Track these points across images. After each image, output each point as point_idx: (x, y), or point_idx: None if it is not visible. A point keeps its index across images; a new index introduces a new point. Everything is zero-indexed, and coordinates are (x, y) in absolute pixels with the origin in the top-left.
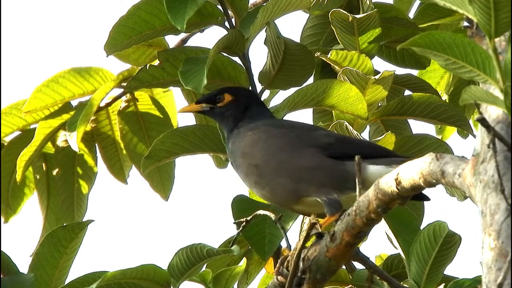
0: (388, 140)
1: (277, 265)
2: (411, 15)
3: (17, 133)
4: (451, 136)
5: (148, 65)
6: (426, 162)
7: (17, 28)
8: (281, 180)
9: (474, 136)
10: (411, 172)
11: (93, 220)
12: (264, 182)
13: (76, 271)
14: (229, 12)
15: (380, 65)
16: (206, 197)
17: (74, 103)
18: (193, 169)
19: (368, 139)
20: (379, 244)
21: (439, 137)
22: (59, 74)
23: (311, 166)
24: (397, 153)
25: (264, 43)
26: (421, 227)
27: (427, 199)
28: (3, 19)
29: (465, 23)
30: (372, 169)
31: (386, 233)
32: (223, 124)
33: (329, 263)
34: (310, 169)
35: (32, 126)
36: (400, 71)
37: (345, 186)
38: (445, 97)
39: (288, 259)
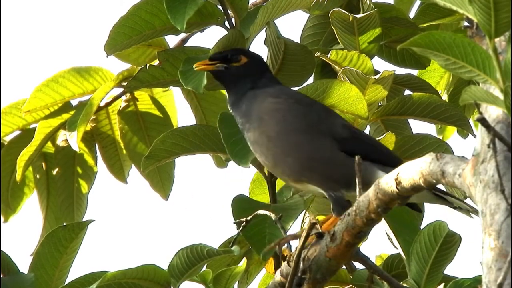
0: (388, 140)
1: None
2: (411, 15)
3: (17, 132)
4: (452, 135)
5: (148, 65)
6: (426, 162)
7: (17, 28)
8: (289, 159)
9: (474, 136)
10: (411, 172)
11: (93, 220)
12: (271, 155)
13: (76, 271)
14: (229, 12)
15: (380, 65)
16: (206, 197)
17: (74, 102)
18: (193, 169)
19: None
20: (380, 244)
21: (440, 137)
22: (59, 73)
23: (324, 156)
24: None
25: (264, 43)
26: (421, 227)
27: (419, 210)
28: (3, 19)
29: (465, 23)
30: (381, 174)
31: (386, 233)
32: (238, 85)
33: (329, 263)
34: (322, 160)
35: (32, 126)
36: (400, 71)
37: (352, 184)
38: (445, 96)
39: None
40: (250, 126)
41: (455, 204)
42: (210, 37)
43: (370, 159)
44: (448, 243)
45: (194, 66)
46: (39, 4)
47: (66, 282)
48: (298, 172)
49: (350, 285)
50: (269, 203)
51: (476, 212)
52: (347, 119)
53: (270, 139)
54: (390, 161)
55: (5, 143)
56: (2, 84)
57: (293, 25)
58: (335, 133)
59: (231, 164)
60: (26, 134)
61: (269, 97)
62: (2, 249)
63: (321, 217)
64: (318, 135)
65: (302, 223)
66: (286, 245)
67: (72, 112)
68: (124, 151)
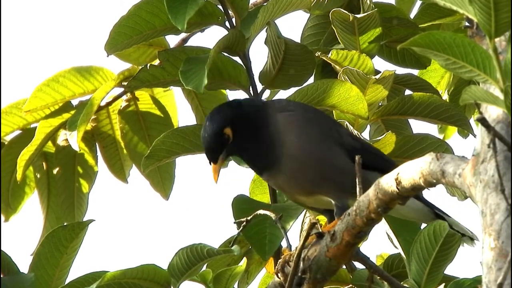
0: (388, 140)
1: (277, 266)
2: (412, 15)
3: (18, 132)
4: (453, 135)
5: (148, 65)
6: (426, 162)
7: (17, 28)
8: (309, 172)
9: (475, 136)
10: (411, 172)
11: (94, 220)
12: (288, 168)
13: (76, 271)
14: (230, 12)
15: (381, 65)
16: (206, 197)
17: (75, 102)
18: (194, 168)
19: (368, 139)
20: (380, 244)
21: (441, 136)
22: (60, 73)
23: (339, 166)
24: None
25: (265, 43)
26: (422, 227)
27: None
28: (3, 19)
29: (466, 23)
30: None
31: (387, 233)
32: (246, 147)
33: (330, 263)
34: (338, 169)
35: (32, 125)
36: (401, 70)
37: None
38: (445, 96)
39: (287, 258)
40: (274, 159)
41: (455, 228)
42: (210, 37)
43: (373, 167)
44: (448, 243)
45: (215, 182)
46: (39, 4)
47: (66, 282)
48: (316, 184)
49: (350, 285)
50: (270, 203)
51: (476, 238)
52: (348, 119)
53: (290, 152)
54: (390, 169)
55: (6, 143)
56: (3, 83)
57: (293, 25)
58: (345, 143)
59: (232, 164)
60: (27, 134)
61: (278, 113)
62: (3, 248)
63: (321, 217)
64: (332, 144)
65: (302, 223)
66: (286, 244)
67: (72, 112)
68: (125, 151)
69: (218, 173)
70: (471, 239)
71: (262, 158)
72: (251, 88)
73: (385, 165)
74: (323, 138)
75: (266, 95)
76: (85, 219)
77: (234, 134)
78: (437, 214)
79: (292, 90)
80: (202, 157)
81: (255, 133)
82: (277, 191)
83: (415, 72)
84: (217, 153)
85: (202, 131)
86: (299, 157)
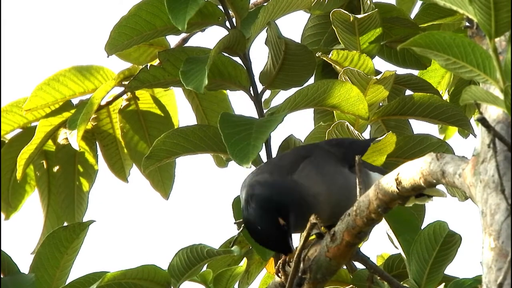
0: (389, 140)
1: (277, 265)
2: (413, 15)
3: (18, 131)
4: (454, 135)
5: (148, 65)
6: (427, 162)
7: (18, 27)
8: (337, 207)
9: (475, 136)
10: (411, 172)
11: (94, 221)
12: (330, 211)
13: (77, 271)
14: (230, 12)
15: (381, 65)
16: (206, 197)
17: (75, 101)
18: (194, 168)
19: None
20: (380, 244)
21: (441, 136)
22: (60, 72)
23: (350, 186)
24: None
25: (265, 43)
26: (422, 227)
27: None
28: (3, 18)
29: (466, 23)
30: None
31: (387, 233)
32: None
33: (330, 263)
34: (351, 189)
35: (32, 124)
36: (401, 71)
37: None
38: (446, 96)
39: (287, 259)
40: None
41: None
42: (211, 37)
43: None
44: (449, 243)
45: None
46: (39, 4)
47: (67, 282)
48: (340, 213)
49: (351, 285)
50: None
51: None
52: (348, 120)
53: (322, 196)
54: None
55: (6, 141)
56: (3, 82)
57: (294, 25)
58: (347, 159)
59: (232, 164)
60: (27, 133)
61: (297, 166)
62: (3, 247)
63: None
64: (344, 168)
65: None
66: None
67: (73, 111)
68: (125, 150)
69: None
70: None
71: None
72: (251, 89)
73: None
74: (338, 170)
75: (266, 95)
76: (85, 218)
77: (288, 220)
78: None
79: (293, 90)
80: (202, 157)
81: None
82: None
83: (416, 72)
84: (286, 242)
85: (251, 224)
86: (331, 203)
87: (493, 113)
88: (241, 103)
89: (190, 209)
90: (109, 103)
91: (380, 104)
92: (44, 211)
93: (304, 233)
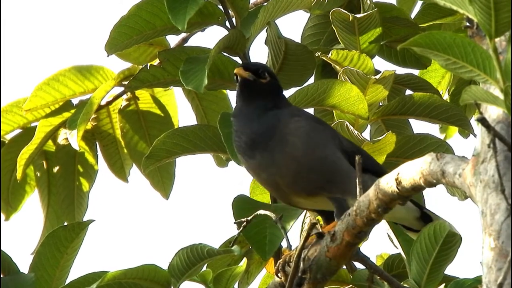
0: (389, 140)
1: (277, 265)
2: (413, 14)
3: (18, 131)
4: (454, 135)
5: (148, 65)
6: (427, 162)
7: (18, 27)
8: (312, 175)
9: (475, 136)
10: (411, 172)
11: (94, 220)
12: (292, 174)
13: (76, 271)
14: (230, 12)
15: (381, 64)
16: (206, 197)
17: (75, 101)
18: (194, 168)
19: (369, 139)
20: (380, 244)
21: (442, 136)
22: (60, 72)
23: (343, 169)
24: None
25: (265, 43)
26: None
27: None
28: (3, 18)
29: (467, 23)
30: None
31: (387, 233)
32: (258, 101)
33: (330, 263)
34: (341, 172)
35: (32, 124)
36: (401, 70)
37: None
38: (446, 96)
39: (287, 259)
40: (267, 146)
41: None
42: (211, 37)
43: (368, 170)
44: (449, 243)
45: (235, 71)
46: (39, 4)
47: (67, 282)
48: (319, 187)
49: (351, 285)
50: (270, 203)
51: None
52: (348, 119)
53: (295, 158)
54: (381, 173)
55: (6, 142)
56: (3, 82)
57: (293, 25)
58: (345, 148)
59: (232, 163)
60: (27, 133)
61: (291, 118)
62: (3, 247)
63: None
64: (335, 149)
65: (302, 223)
66: (286, 245)
67: (72, 111)
68: (125, 150)
69: (238, 73)
70: None
71: (258, 136)
72: None
73: (379, 168)
74: (328, 145)
75: None
76: (85, 218)
77: (268, 82)
78: (424, 213)
79: (293, 90)
80: (202, 157)
81: (269, 111)
82: None
83: (416, 72)
84: (252, 72)
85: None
86: (303, 160)
87: (493, 113)
88: None
89: (190, 209)
90: (109, 103)
91: (380, 103)
92: (44, 212)
93: (304, 233)
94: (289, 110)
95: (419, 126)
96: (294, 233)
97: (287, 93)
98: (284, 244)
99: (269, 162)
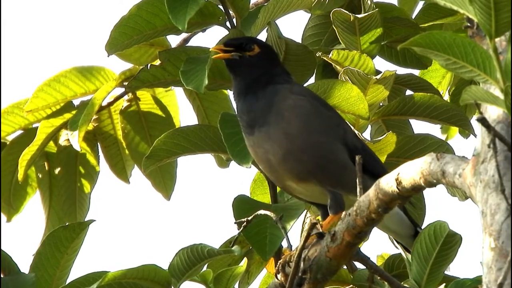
0: (389, 140)
1: (277, 266)
2: (414, 14)
3: (19, 132)
4: (455, 135)
5: (149, 65)
6: (427, 162)
7: (18, 28)
8: (304, 157)
9: (475, 136)
10: (411, 172)
11: (94, 220)
12: (283, 152)
13: (77, 271)
14: (230, 12)
15: (382, 65)
16: (207, 197)
17: (76, 102)
18: (195, 168)
19: (369, 139)
20: (381, 244)
21: (443, 136)
22: (61, 73)
23: (338, 160)
24: None
25: None
26: (422, 227)
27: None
28: (3, 19)
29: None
30: None
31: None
32: (251, 77)
33: (330, 263)
34: (336, 162)
35: (34, 125)
36: (402, 71)
37: (354, 190)
38: (446, 96)
39: (287, 259)
40: (264, 121)
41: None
42: (211, 37)
43: (372, 172)
44: (449, 243)
45: (210, 49)
46: (39, 4)
47: (67, 282)
48: (309, 172)
49: (351, 285)
50: (270, 203)
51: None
52: (349, 119)
53: (288, 136)
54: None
55: (7, 143)
56: (4, 83)
57: (294, 25)
58: (348, 141)
59: (233, 164)
60: (28, 134)
61: (292, 94)
62: (5, 248)
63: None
64: (336, 139)
65: (303, 223)
66: (286, 245)
67: (74, 112)
68: (127, 151)
69: (219, 55)
70: None
71: (257, 112)
72: None
73: (381, 169)
74: (327, 131)
75: None
76: (86, 219)
77: (257, 55)
78: (418, 232)
79: None
80: (203, 157)
81: (266, 85)
82: (277, 191)
83: (416, 72)
84: (234, 47)
85: None
86: (296, 140)
87: (493, 113)
88: None
89: (191, 209)
90: (110, 104)
91: (381, 104)
92: (46, 213)
93: (305, 233)
94: (290, 86)
95: (419, 126)
96: (295, 233)
97: None
98: (284, 244)
99: (265, 138)
